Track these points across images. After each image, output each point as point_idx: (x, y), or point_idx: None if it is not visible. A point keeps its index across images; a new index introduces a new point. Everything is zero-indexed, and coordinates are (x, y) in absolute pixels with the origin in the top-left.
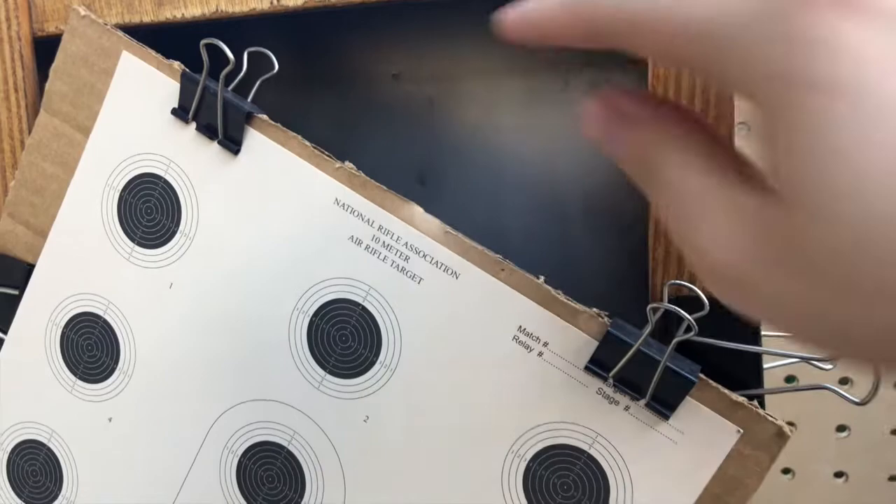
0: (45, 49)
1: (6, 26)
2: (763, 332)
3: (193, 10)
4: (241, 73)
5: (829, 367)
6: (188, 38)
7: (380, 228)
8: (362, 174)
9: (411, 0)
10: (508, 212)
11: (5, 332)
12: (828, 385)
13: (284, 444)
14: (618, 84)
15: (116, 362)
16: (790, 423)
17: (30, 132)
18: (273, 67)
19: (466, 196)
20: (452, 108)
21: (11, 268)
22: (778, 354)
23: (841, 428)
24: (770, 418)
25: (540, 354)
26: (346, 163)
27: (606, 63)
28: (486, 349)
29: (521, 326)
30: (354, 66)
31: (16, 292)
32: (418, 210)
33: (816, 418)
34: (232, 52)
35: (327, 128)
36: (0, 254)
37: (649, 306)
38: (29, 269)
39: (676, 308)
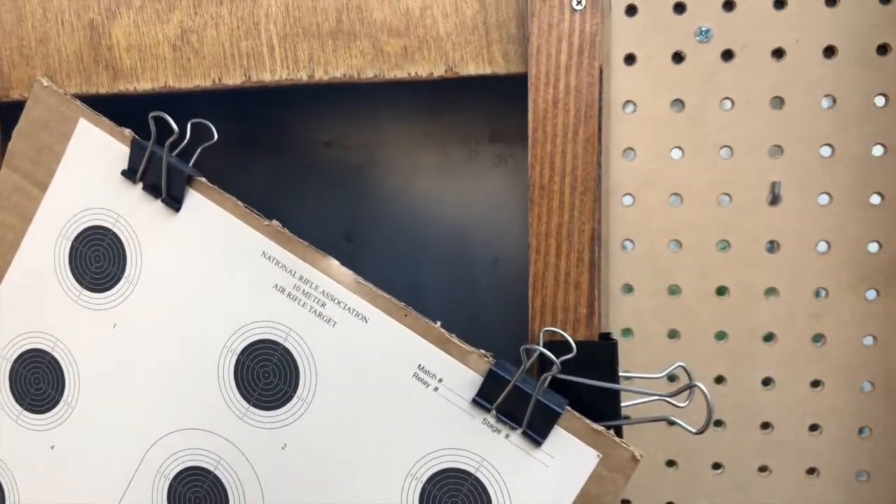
0: (9, 113)
1: None
2: (621, 373)
3: (144, 85)
4: (185, 142)
5: (683, 404)
6: (141, 106)
7: (301, 278)
8: (287, 231)
9: (336, 83)
10: (424, 265)
11: None
12: (671, 417)
13: (211, 468)
14: (519, 159)
15: (61, 394)
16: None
17: None
18: (213, 137)
19: (388, 251)
20: (377, 173)
21: None
22: (633, 392)
23: (670, 462)
24: (624, 445)
25: (436, 389)
26: (273, 221)
27: (510, 140)
28: (389, 384)
29: (420, 365)
30: (290, 134)
31: None
32: (335, 262)
33: (649, 452)
34: (180, 119)
35: (265, 189)
36: None
37: (522, 347)
38: None
39: (545, 350)
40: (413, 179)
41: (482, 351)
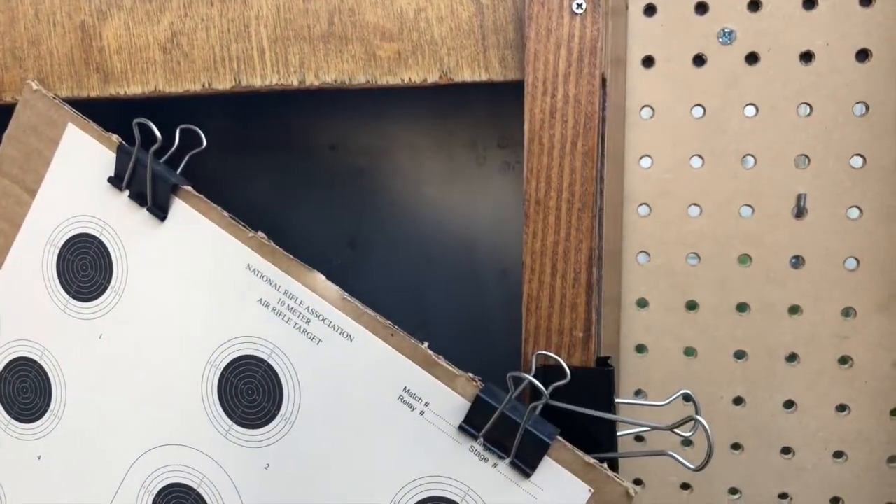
0: (1, 116)
1: None
2: (617, 400)
3: (135, 89)
4: (173, 148)
5: (688, 434)
6: (133, 110)
7: (286, 293)
8: (272, 243)
9: (317, 87)
10: (429, 274)
11: None
12: (669, 452)
13: (194, 486)
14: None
15: (48, 404)
16: (638, 481)
17: None
18: (202, 143)
19: (391, 259)
20: (382, 178)
21: None
22: (628, 423)
23: (685, 486)
24: (618, 479)
25: (421, 413)
26: (259, 233)
27: (519, 145)
28: (374, 406)
29: (405, 387)
30: (294, 137)
31: None
32: (320, 277)
33: (662, 475)
34: (178, 122)
35: (267, 193)
36: None
37: (509, 374)
38: None
39: (532, 379)
40: (419, 185)
41: (470, 374)
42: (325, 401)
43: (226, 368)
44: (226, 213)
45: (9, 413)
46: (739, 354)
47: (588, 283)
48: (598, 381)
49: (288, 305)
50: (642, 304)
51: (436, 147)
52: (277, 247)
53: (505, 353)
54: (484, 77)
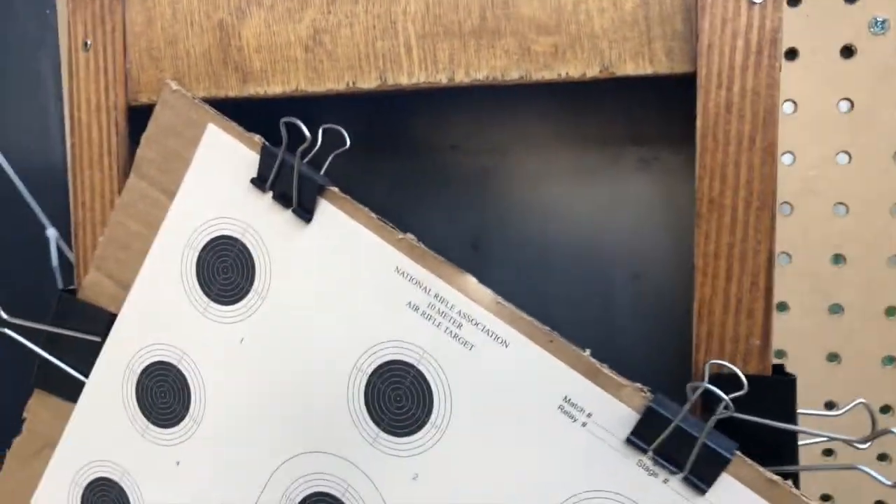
0: (137, 117)
1: (105, 96)
2: (799, 410)
3: (275, 88)
4: (316, 147)
5: (864, 446)
6: (261, 110)
7: (436, 296)
8: (422, 245)
9: (467, 85)
10: (554, 279)
11: (84, 373)
12: (861, 466)
13: (339, 495)
14: (666, 162)
15: (187, 409)
16: (826, 497)
17: (119, 192)
18: (345, 143)
19: (517, 262)
20: (506, 178)
21: (95, 317)
22: (813, 434)
23: (825, 497)
24: (804, 498)
25: (584, 425)
26: (408, 234)
27: (655, 142)
28: (531, 417)
29: (566, 397)
30: (416, 137)
31: (98, 339)
32: (472, 280)
33: (854, 493)
34: (305, 124)
35: (389, 194)
36: (86, 303)
37: (689, 385)
38: (111, 318)
39: (714, 388)
40: (545, 185)
41: (638, 385)
42: (479, 409)
43: (373, 374)
44: (373, 215)
45: (147, 418)
46: (888, 360)
47: (767, 287)
48: (778, 391)
49: (438, 309)
50: (782, 307)
51: (563, 145)
52: (427, 249)
53: (638, 366)
54: (649, 70)
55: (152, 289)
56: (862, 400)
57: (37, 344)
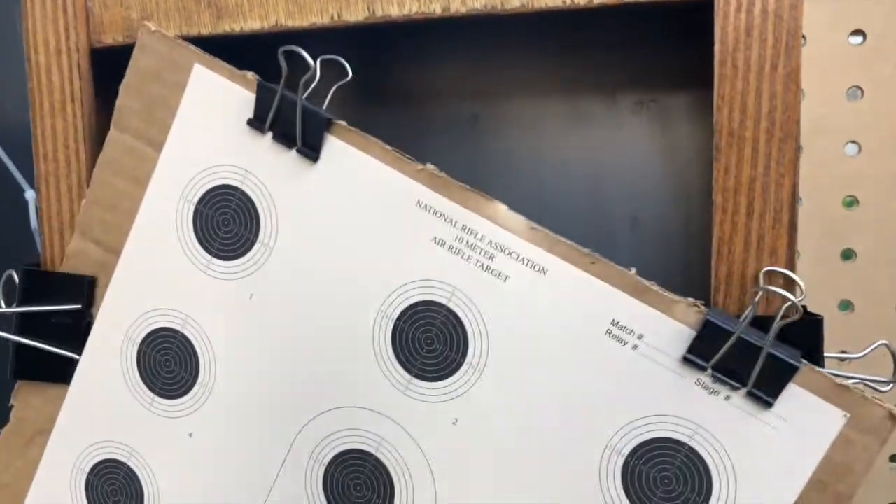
0: (101, 59)
1: (65, 37)
2: (825, 354)
3: (252, 24)
4: (315, 81)
5: (887, 389)
6: (236, 50)
7: (463, 228)
8: (444, 174)
9: (459, 17)
10: (553, 225)
11: (73, 350)
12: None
13: (371, 451)
14: (663, 103)
15: (196, 377)
16: None
17: (85, 142)
18: (347, 75)
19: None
20: (497, 124)
21: (71, 285)
22: (841, 376)
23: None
24: (878, 401)
25: (635, 347)
26: (428, 164)
27: (652, 82)
28: (578, 345)
29: (614, 320)
30: (401, 82)
31: (79, 306)
32: (502, 207)
33: None
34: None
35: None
36: (64, 273)
37: (753, 289)
38: (91, 282)
39: (780, 290)
40: (539, 129)
41: (691, 299)
42: (519, 343)
43: (399, 318)
44: (388, 147)
45: (152, 390)
46: None
47: (790, 223)
48: (806, 332)
49: (467, 242)
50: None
51: (558, 89)
52: (451, 178)
53: None
54: None
55: (146, 250)
56: (884, 342)
57: (7, 331)
